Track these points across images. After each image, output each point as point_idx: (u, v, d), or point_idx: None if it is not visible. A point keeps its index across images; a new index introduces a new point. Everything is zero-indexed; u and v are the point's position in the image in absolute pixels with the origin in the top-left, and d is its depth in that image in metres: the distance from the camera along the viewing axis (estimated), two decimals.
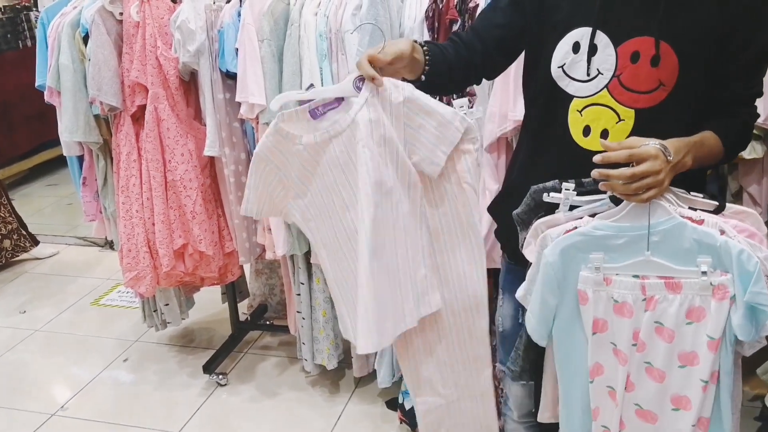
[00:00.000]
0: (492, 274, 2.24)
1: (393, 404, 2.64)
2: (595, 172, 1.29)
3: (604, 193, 1.36)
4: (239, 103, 2.40)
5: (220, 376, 2.85)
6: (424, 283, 1.50)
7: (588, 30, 1.41)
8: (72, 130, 2.48)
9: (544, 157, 1.55)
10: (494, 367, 1.81)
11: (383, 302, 1.44)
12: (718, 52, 1.37)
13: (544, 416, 1.63)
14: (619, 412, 1.41)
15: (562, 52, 1.45)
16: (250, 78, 2.18)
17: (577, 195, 1.40)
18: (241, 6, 2.31)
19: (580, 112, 1.45)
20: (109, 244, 4.22)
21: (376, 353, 2.56)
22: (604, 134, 1.42)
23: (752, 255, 1.24)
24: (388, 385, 2.49)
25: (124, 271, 2.59)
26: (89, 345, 3.24)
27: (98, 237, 2.89)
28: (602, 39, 1.40)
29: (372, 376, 2.76)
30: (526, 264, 1.48)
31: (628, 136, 1.39)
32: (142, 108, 2.46)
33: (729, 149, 1.43)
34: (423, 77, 1.46)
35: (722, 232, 1.27)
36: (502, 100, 1.96)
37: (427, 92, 1.64)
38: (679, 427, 1.37)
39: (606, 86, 1.41)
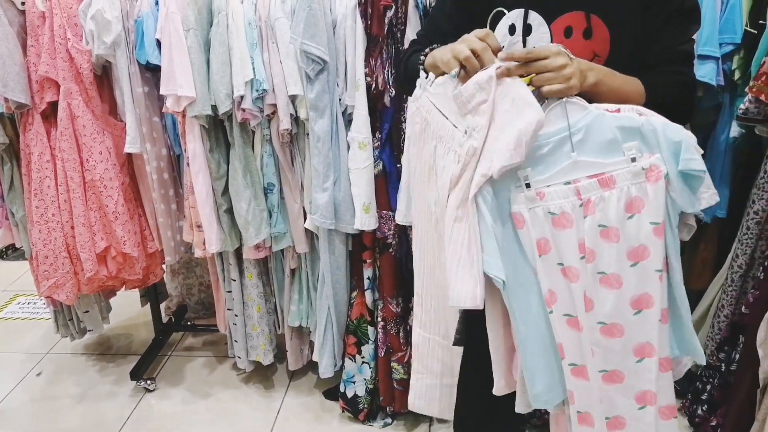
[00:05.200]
0: None
1: (331, 394, 2.64)
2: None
3: None
4: (159, 97, 2.31)
5: (148, 382, 2.73)
6: None
7: (521, 11, 1.45)
8: None
9: None
10: None
11: None
12: (644, 16, 1.42)
13: (500, 387, 1.55)
14: (587, 340, 1.36)
15: (499, 35, 1.47)
16: (177, 69, 2.09)
17: None
18: None
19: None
20: (0, 255, 3.94)
21: (313, 344, 2.55)
22: None
23: (677, 127, 1.23)
24: (331, 375, 2.48)
25: (40, 279, 2.42)
26: None
27: (3, 245, 2.68)
28: (536, 18, 1.44)
29: (306, 368, 2.76)
30: None
31: None
32: (52, 105, 2.30)
33: (654, 99, 1.41)
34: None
35: (640, 114, 1.26)
36: None
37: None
38: (645, 328, 1.33)
39: None
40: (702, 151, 1.26)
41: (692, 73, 1.51)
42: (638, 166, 1.25)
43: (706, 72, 1.97)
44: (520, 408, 1.51)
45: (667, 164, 1.24)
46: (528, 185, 1.32)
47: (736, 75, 2.03)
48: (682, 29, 1.45)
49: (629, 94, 1.40)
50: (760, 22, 1.93)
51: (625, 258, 1.30)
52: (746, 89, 1.89)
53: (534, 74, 1.29)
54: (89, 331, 2.77)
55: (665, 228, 1.28)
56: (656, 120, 1.24)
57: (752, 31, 1.96)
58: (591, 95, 1.34)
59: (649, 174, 1.25)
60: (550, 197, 1.31)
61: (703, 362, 1.40)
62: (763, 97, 1.80)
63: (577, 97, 1.30)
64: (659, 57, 1.45)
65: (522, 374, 1.46)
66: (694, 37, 1.49)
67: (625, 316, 1.33)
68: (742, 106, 1.89)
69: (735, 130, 2.07)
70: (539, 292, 1.38)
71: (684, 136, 1.22)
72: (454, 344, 1.76)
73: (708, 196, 1.28)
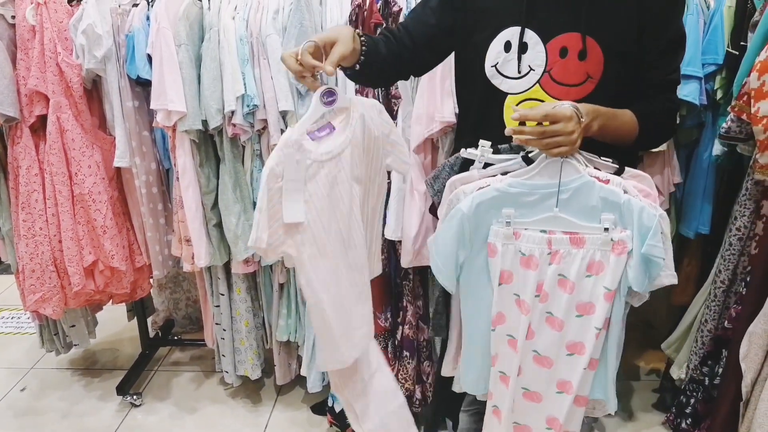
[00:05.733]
0: (419, 271, 2.31)
1: (319, 409, 2.64)
2: (509, 130, 1.35)
3: (518, 153, 1.45)
4: (149, 111, 2.32)
5: (135, 397, 2.72)
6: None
7: (517, 29, 1.48)
8: None
9: None
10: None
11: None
12: (637, 43, 1.47)
13: (447, 370, 1.72)
14: (518, 359, 1.51)
15: (494, 51, 1.51)
16: (168, 84, 2.10)
17: (492, 154, 1.47)
18: (149, 9, 2.23)
19: (514, 108, 1.52)
20: None
21: (301, 358, 2.55)
22: None
23: (652, 213, 1.36)
24: (319, 389, 2.49)
25: (26, 293, 2.40)
26: None
27: None
28: (532, 37, 1.47)
29: (293, 383, 2.76)
30: None
31: None
32: (42, 118, 2.30)
33: (647, 129, 1.50)
34: (357, 66, 1.48)
35: (625, 192, 1.38)
36: (429, 101, 2.01)
37: (355, 81, 1.77)
38: (572, 370, 1.50)
39: (538, 81, 1.49)
40: (670, 238, 1.40)
41: (677, 98, 1.59)
42: (609, 236, 1.40)
43: (689, 91, 2.01)
44: (455, 387, 1.72)
45: (634, 242, 1.39)
46: (508, 223, 1.44)
47: (719, 95, 2.08)
48: (673, 58, 1.52)
49: (625, 133, 1.49)
50: (742, 43, 1.98)
51: (573, 308, 1.46)
52: (728, 108, 1.93)
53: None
54: (75, 345, 2.76)
55: (615, 295, 1.43)
56: (636, 202, 1.37)
57: (734, 52, 2.00)
58: (595, 137, 1.42)
59: (616, 246, 1.40)
60: (524, 240, 1.45)
61: (614, 412, 1.58)
62: (744, 117, 1.84)
63: (577, 156, 1.39)
64: (652, 86, 1.52)
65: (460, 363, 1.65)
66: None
67: (558, 354, 1.50)
68: (724, 125, 1.92)
69: (717, 148, 2.11)
70: (489, 309, 1.52)
71: (655, 222, 1.35)
72: (437, 335, 1.86)
73: (664, 276, 1.42)
